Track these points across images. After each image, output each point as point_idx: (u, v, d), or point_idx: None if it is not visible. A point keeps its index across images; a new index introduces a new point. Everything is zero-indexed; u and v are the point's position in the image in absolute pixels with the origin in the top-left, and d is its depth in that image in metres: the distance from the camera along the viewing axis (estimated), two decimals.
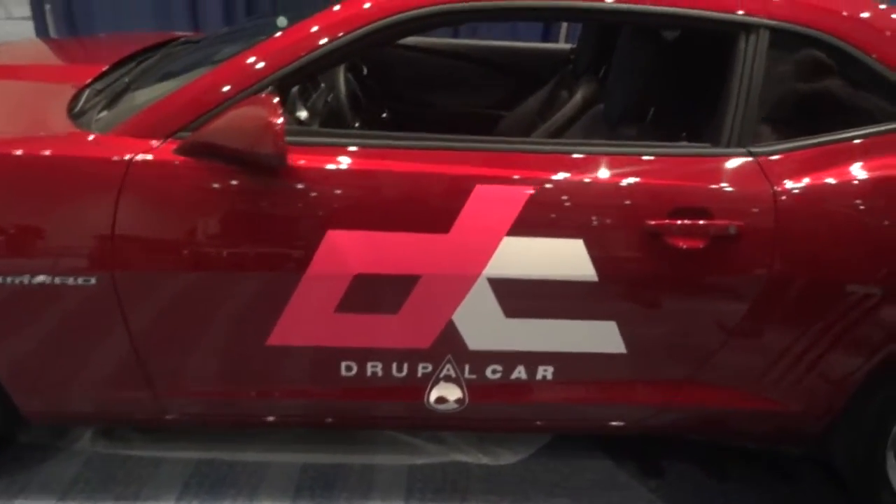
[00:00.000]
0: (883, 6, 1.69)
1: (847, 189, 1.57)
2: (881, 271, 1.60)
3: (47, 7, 4.24)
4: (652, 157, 1.59)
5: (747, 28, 1.57)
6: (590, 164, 1.57)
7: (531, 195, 1.53)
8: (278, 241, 1.53)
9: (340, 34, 1.54)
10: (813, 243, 1.58)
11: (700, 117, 1.68)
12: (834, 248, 1.59)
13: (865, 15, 1.63)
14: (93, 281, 1.51)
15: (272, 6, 4.19)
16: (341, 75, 2.12)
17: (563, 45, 3.12)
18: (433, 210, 1.53)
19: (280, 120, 1.40)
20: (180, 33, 2.79)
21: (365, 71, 2.97)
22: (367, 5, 1.56)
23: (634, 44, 1.80)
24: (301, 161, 1.52)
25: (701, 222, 1.54)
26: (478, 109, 3.08)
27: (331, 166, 1.53)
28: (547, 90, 2.75)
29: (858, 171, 1.58)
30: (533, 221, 1.54)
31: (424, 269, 1.55)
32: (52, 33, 4.26)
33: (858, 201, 1.57)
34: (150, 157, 1.50)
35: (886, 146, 1.60)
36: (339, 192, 1.52)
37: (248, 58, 1.57)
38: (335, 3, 1.60)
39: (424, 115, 3.05)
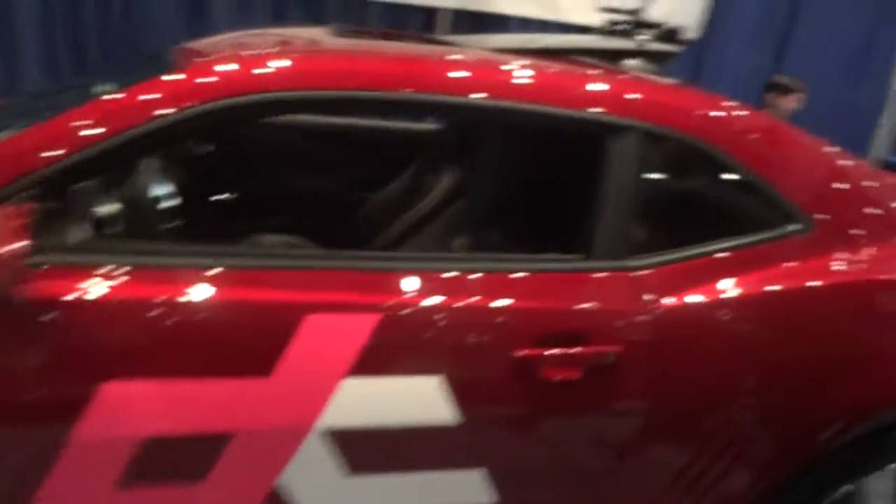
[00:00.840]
0: (728, 102, 1.59)
1: (722, 306, 1.41)
2: (762, 389, 1.46)
3: None
4: (518, 274, 1.36)
5: (617, 129, 1.40)
6: (447, 285, 1.31)
7: (376, 325, 1.24)
8: (32, 398, 1.12)
9: (147, 119, 1.21)
10: (694, 365, 1.41)
11: (571, 224, 1.48)
12: (714, 368, 1.42)
13: (719, 114, 1.53)
14: None
15: (105, 61, 3.67)
16: (151, 164, 1.74)
17: (430, 126, 2.94)
18: (249, 349, 1.20)
19: (16, 244, 1.02)
20: None
21: (209, 150, 2.61)
22: (202, 80, 1.25)
23: (497, 140, 1.60)
24: (67, 288, 1.13)
25: (576, 350, 1.32)
26: (339, 192, 2.80)
27: (109, 294, 1.16)
28: (412, 174, 2.54)
29: (732, 286, 1.43)
30: (378, 358, 1.24)
31: (239, 424, 1.20)
32: None
33: (733, 319, 1.42)
34: None
35: (756, 259, 1.46)
36: (119, 329, 1.15)
37: (8, 147, 1.20)
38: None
39: (279, 199, 2.73)
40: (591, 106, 1.40)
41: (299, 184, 2.76)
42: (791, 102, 3.46)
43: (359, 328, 1.24)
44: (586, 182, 1.43)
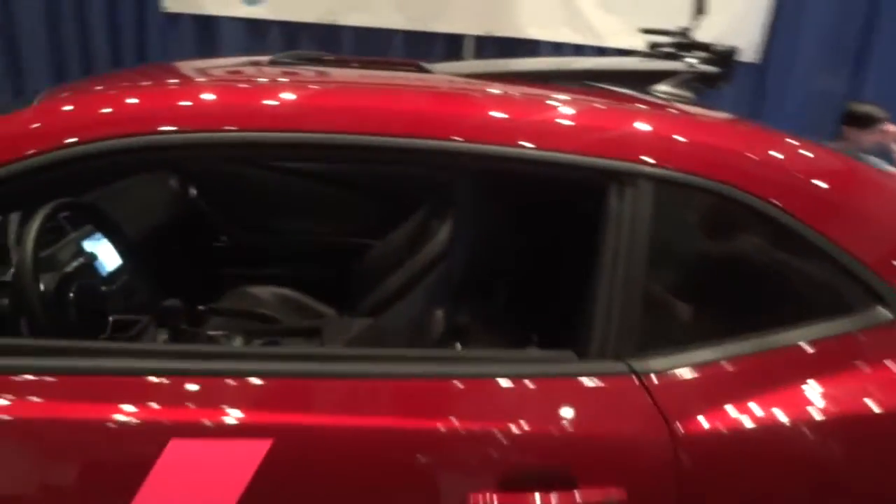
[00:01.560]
0: (790, 140, 1.17)
1: (783, 430, 0.99)
2: None
3: None
4: (484, 379, 0.97)
5: (621, 177, 1.01)
6: (372, 397, 0.94)
7: (269, 454, 0.88)
8: None
9: None
10: None
11: (561, 305, 1.09)
12: None
13: (775, 155, 1.11)
14: None
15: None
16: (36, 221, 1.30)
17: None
18: (81, 494, 0.87)
19: None
20: None
21: (194, 192, 2.36)
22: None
23: (474, 193, 1.23)
24: None
25: (560, 496, 0.92)
26: (341, 238, 2.51)
27: None
28: (418, 218, 2.22)
29: (796, 400, 1.00)
30: (271, 499, 0.89)
31: None
32: None
33: (800, 449, 0.99)
34: None
35: (832, 358, 1.03)
36: None
37: None
38: None
39: (275, 245, 2.46)
40: (584, 146, 1.02)
41: (297, 230, 2.49)
42: (874, 136, 2.93)
43: (243, 456, 0.88)
44: (580, 249, 1.04)
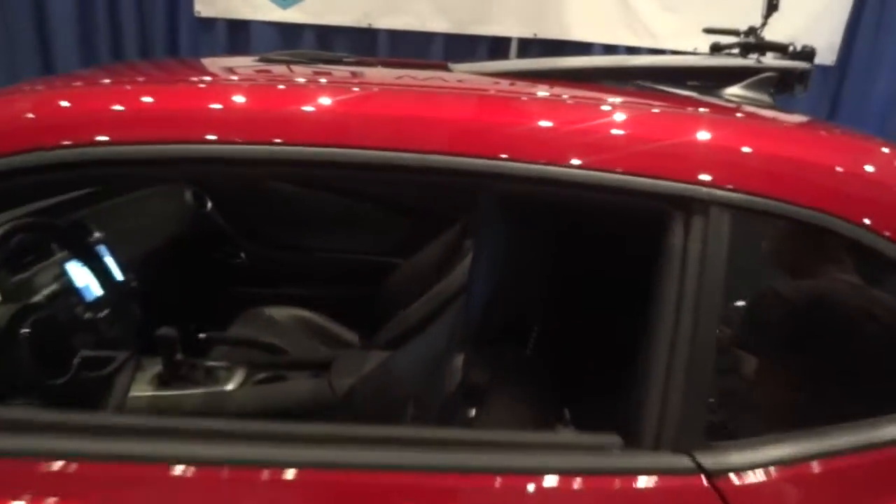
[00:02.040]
0: (885, 148, 0.90)
1: None
2: None
3: None
4: (502, 475, 0.74)
5: (686, 205, 0.76)
6: (357, 494, 0.72)
7: None
8: None
9: None
10: None
11: (604, 373, 0.84)
12: None
13: (881, 171, 0.84)
14: None
15: None
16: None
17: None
18: None
19: None
20: None
21: (209, 206, 2.21)
22: None
23: (497, 214, 0.99)
24: None
25: None
26: (368, 256, 2.32)
27: None
28: (450, 236, 2.02)
29: None
30: None
31: None
32: None
33: None
34: None
35: None
36: None
37: None
38: None
39: (296, 263, 2.29)
40: (636, 164, 0.77)
41: (319, 247, 2.32)
42: None
43: None
44: (631, 298, 0.79)
